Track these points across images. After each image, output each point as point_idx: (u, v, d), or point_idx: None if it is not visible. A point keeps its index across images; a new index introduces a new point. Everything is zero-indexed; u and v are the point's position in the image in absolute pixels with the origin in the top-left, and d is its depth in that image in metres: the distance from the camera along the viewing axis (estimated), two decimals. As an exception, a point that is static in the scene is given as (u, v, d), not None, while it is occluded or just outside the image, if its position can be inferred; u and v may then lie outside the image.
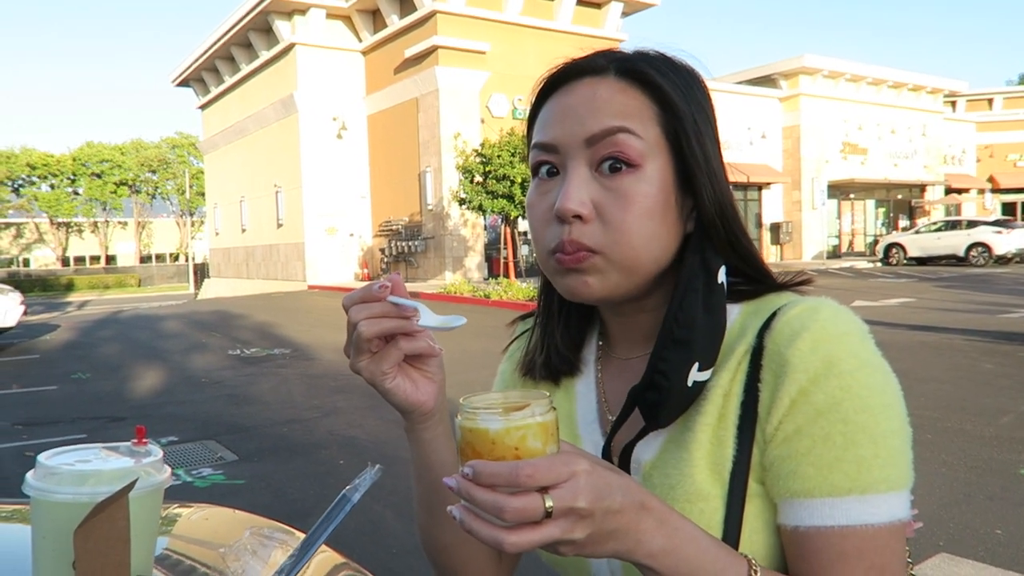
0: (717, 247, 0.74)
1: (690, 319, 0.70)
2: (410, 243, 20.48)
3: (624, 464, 0.75)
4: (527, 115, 0.80)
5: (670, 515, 0.59)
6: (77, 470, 0.70)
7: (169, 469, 0.76)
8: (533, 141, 0.76)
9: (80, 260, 51.37)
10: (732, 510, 0.67)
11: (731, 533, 0.67)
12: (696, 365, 0.69)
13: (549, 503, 0.51)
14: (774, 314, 0.70)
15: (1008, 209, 34.87)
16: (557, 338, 0.85)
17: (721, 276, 0.73)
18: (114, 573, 0.60)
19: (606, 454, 0.77)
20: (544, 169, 0.74)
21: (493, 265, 20.25)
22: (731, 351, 0.72)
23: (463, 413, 0.55)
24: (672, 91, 0.72)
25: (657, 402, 0.70)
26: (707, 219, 0.73)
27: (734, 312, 0.75)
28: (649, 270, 0.72)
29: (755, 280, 0.77)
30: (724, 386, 0.70)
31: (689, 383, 0.69)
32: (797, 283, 0.77)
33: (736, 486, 0.67)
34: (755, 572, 0.62)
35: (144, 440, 0.77)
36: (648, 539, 0.56)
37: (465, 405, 0.56)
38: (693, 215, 0.74)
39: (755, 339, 0.70)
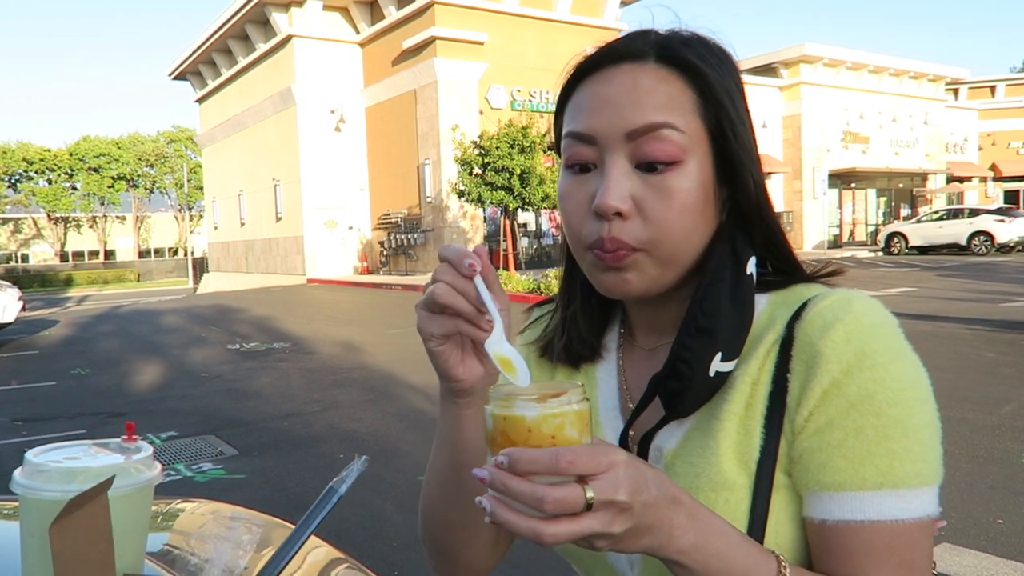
0: (752, 237, 0.73)
1: (715, 308, 0.69)
2: (409, 236, 20.46)
3: (643, 453, 0.74)
4: (556, 98, 0.77)
5: (699, 509, 0.57)
6: (65, 467, 0.69)
7: (160, 465, 0.74)
8: (567, 130, 0.73)
9: (78, 255, 51.37)
10: (759, 500, 0.66)
11: (757, 524, 0.66)
12: (719, 355, 0.68)
13: (590, 494, 0.49)
14: (804, 305, 0.69)
15: (1010, 197, 34.82)
16: (580, 322, 0.83)
17: (750, 267, 0.72)
18: (97, 572, 0.59)
19: (623, 442, 0.75)
20: (581, 167, 0.72)
21: (493, 257, 20.22)
22: (759, 340, 0.70)
23: (495, 401, 0.53)
24: (714, 79, 0.70)
25: (679, 391, 0.69)
26: (747, 210, 0.72)
27: (762, 302, 0.74)
28: (686, 263, 0.71)
29: (783, 271, 0.76)
30: (752, 375, 0.69)
31: (712, 373, 0.68)
32: (826, 274, 0.76)
33: (763, 476, 0.66)
34: (784, 569, 0.60)
35: (134, 436, 0.75)
36: (680, 534, 0.55)
37: (497, 393, 0.54)
38: (727, 205, 0.73)
39: (784, 329, 0.69)
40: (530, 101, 20.54)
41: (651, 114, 0.68)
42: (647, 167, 0.69)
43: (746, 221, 0.73)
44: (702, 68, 0.70)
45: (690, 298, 0.72)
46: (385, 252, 21.77)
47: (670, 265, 0.71)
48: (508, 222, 17.84)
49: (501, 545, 0.83)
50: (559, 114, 0.76)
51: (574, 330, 0.83)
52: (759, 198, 0.72)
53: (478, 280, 0.64)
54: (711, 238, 0.73)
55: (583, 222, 0.71)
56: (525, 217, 20.60)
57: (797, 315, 0.68)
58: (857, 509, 0.62)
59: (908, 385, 0.64)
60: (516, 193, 16.32)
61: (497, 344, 0.63)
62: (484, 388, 0.71)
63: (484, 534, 0.79)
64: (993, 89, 36.14)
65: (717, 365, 0.68)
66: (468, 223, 19.96)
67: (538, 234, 21.65)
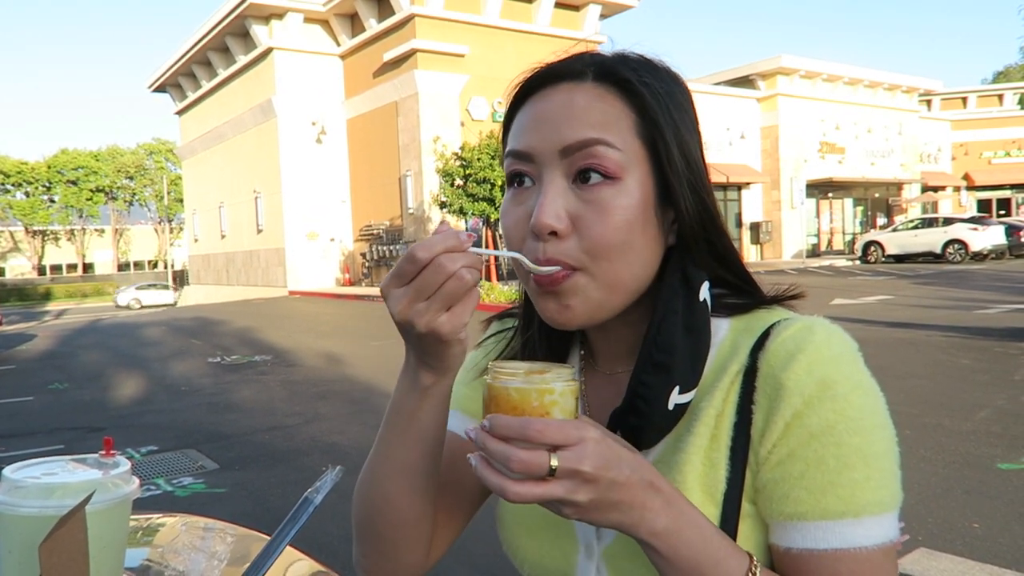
0: (699, 261, 0.72)
1: (670, 343, 0.68)
2: (391, 247, 20.42)
3: None
4: (503, 119, 0.77)
5: (678, 498, 0.61)
6: (43, 483, 0.69)
7: (137, 480, 0.75)
8: (507, 148, 0.73)
9: (56, 268, 50.76)
10: (726, 530, 0.67)
11: None
12: (677, 388, 0.68)
13: (554, 462, 0.53)
14: (767, 333, 0.69)
15: (983, 206, 35.38)
16: (538, 349, 0.82)
17: (704, 293, 0.71)
18: (76, 587, 0.59)
19: None
20: (518, 179, 0.72)
21: (475, 268, 20.21)
22: (723, 370, 0.70)
23: (492, 374, 0.59)
24: (652, 98, 0.69)
25: (639, 427, 0.69)
26: (688, 232, 0.71)
27: (723, 328, 0.73)
28: (630, 287, 0.70)
29: (742, 291, 0.76)
30: (717, 406, 0.69)
31: (670, 406, 0.68)
32: (787, 297, 0.76)
33: (729, 508, 0.67)
34: (754, 569, 0.62)
35: (112, 451, 0.76)
36: (652, 517, 0.58)
37: (495, 367, 0.60)
38: (675, 228, 0.72)
39: (748, 359, 0.69)
40: (511, 112, 20.60)
41: (586, 130, 0.68)
42: (583, 183, 0.68)
43: (690, 243, 0.72)
44: (639, 87, 0.69)
45: (644, 321, 0.72)
46: (367, 263, 21.70)
47: (613, 288, 0.69)
48: (490, 233, 17.86)
49: (433, 554, 0.81)
50: (505, 134, 0.76)
51: (533, 359, 0.81)
52: (702, 219, 0.71)
53: (472, 249, 0.62)
54: (659, 263, 0.72)
55: (521, 242, 0.71)
56: (507, 228, 20.62)
57: (760, 344, 0.69)
58: (820, 538, 0.63)
59: (867, 413, 0.65)
60: (498, 204, 16.34)
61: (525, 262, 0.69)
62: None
63: (421, 534, 0.77)
64: (965, 100, 36.79)
65: (675, 398, 0.68)
66: (450, 234, 19.93)
67: (520, 245, 21.66)
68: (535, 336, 0.82)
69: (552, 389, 0.57)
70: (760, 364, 0.68)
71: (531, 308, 0.80)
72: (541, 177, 0.70)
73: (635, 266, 0.69)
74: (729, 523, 0.67)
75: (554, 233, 0.68)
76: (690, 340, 0.69)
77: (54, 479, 0.70)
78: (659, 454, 0.72)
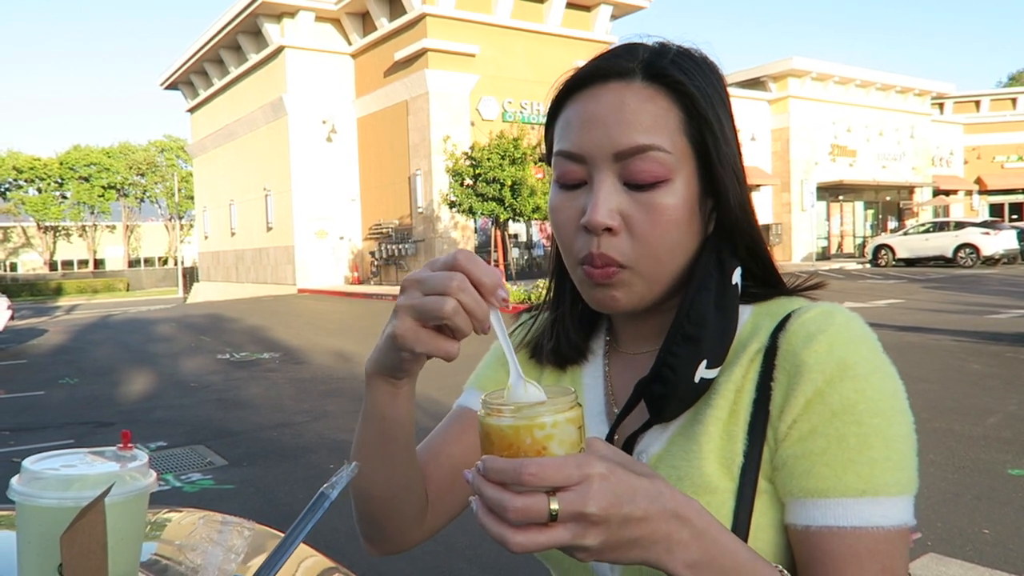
0: (736, 248, 0.75)
1: (701, 317, 0.71)
2: (400, 246, 20.45)
3: None
4: (547, 112, 0.78)
5: (710, 525, 0.57)
6: (62, 475, 0.70)
7: (155, 473, 0.75)
8: (557, 148, 0.74)
9: (68, 264, 51.05)
10: (742, 505, 0.67)
11: (740, 528, 0.67)
12: (704, 362, 0.70)
13: (555, 506, 0.49)
14: (788, 316, 0.71)
15: (995, 210, 35.14)
16: (568, 325, 0.84)
17: (735, 277, 0.74)
18: (94, 578, 0.60)
19: None
20: (569, 178, 0.74)
21: (484, 268, 20.19)
22: (743, 348, 0.72)
23: (485, 408, 0.54)
24: (700, 95, 0.71)
25: (663, 396, 0.71)
26: (731, 221, 0.74)
27: (746, 313, 0.76)
28: (672, 277, 0.73)
29: (766, 283, 0.78)
30: (736, 382, 0.71)
31: (696, 379, 0.70)
32: (808, 287, 0.78)
33: (746, 481, 0.68)
34: None
35: (130, 445, 0.77)
36: (681, 551, 0.54)
37: (487, 402, 0.54)
38: (714, 216, 0.75)
39: (768, 339, 0.71)
40: (521, 113, 20.62)
41: (638, 136, 0.69)
42: (635, 185, 0.70)
43: (729, 233, 0.75)
44: (688, 87, 0.71)
45: (675, 308, 0.74)
46: (376, 262, 21.75)
47: (656, 282, 0.73)
48: (499, 233, 17.87)
49: (430, 523, 0.83)
50: (549, 127, 0.78)
51: (563, 332, 0.85)
52: (742, 211, 0.74)
53: (496, 314, 0.61)
54: (698, 249, 0.74)
55: (573, 236, 0.73)
56: (516, 228, 20.64)
57: (781, 326, 0.70)
58: (840, 515, 0.64)
59: (888, 396, 0.66)
60: (507, 204, 16.36)
61: (518, 391, 0.56)
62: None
63: (407, 509, 0.79)
64: (978, 104, 36.53)
65: (702, 372, 0.70)
66: (459, 234, 19.97)
67: (529, 245, 21.68)
68: (566, 315, 0.85)
69: (544, 424, 0.51)
70: (780, 344, 0.69)
71: (562, 289, 0.85)
72: (592, 176, 0.72)
73: (679, 258, 0.73)
74: (745, 499, 0.67)
75: (608, 230, 0.70)
76: (720, 317, 0.72)
77: (73, 471, 0.71)
78: (678, 427, 0.73)
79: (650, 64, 0.72)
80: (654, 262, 0.71)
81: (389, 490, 0.77)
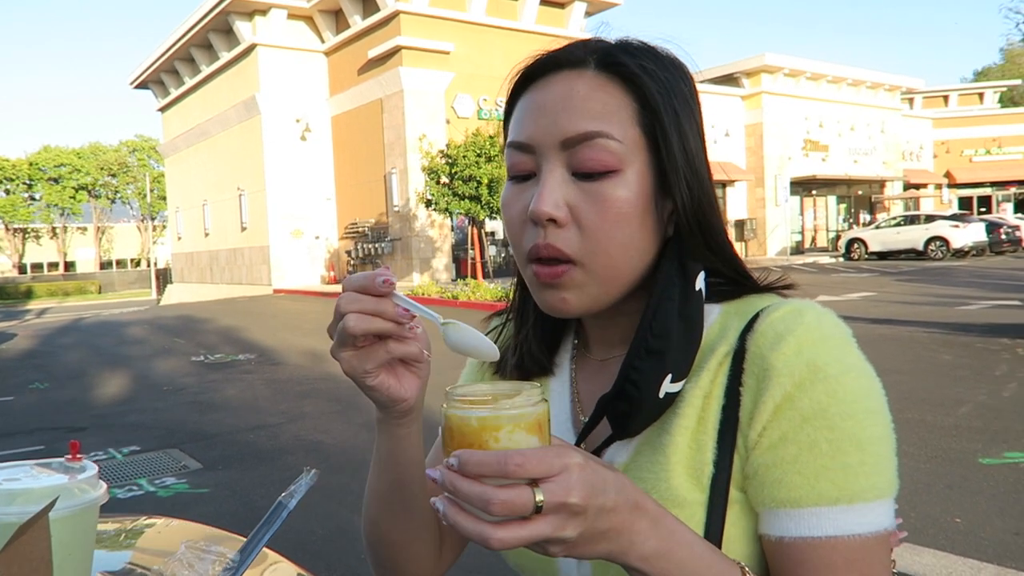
0: (696, 252, 0.71)
1: (664, 329, 0.67)
2: (377, 245, 20.33)
3: None
4: (503, 108, 0.76)
5: (665, 516, 0.56)
6: (5, 489, 0.67)
7: (105, 485, 0.72)
8: (508, 139, 0.73)
9: (38, 267, 50.16)
10: (713, 517, 0.65)
11: (712, 540, 0.64)
12: (669, 376, 0.67)
13: (540, 497, 0.48)
14: (756, 316, 0.68)
15: (964, 203, 35.70)
16: (531, 340, 0.81)
17: (699, 283, 0.70)
18: (35, 600, 0.57)
19: None
20: (518, 170, 0.71)
21: (461, 266, 20.19)
22: (711, 352, 0.69)
23: (450, 402, 0.52)
24: (654, 87, 0.68)
25: (627, 413, 0.68)
26: (684, 223, 0.70)
27: (714, 313, 0.72)
28: (627, 279, 0.70)
29: (736, 282, 0.75)
30: (704, 388, 0.68)
31: (661, 394, 0.67)
32: (779, 286, 0.75)
33: (717, 492, 0.65)
34: None
35: (78, 455, 0.74)
36: (641, 541, 0.54)
37: (452, 393, 0.53)
38: (673, 219, 0.71)
39: (737, 341, 0.68)
40: (496, 110, 20.56)
41: (586, 122, 0.67)
42: (583, 175, 0.68)
43: (690, 233, 0.71)
44: (640, 76, 0.68)
45: (639, 312, 0.71)
46: (352, 261, 21.60)
47: (610, 282, 0.69)
48: (476, 231, 17.83)
49: (446, 558, 0.83)
50: (506, 122, 0.75)
51: (526, 347, 0.82)
52: (699, 210, 0.70)
53: (398, 294, 0.62)
54: (657, 252, 0.71)
55: (521, 231, 0.71)
56: (493, 226, 20.61)
57: (749, 326, 0.67)
58: (814, 526, 0.61)
59: (861, 397, 0.63)
60: (484, 202, 16.32)
61: (456, 337, 0.61)
62: (422, 399, 0.71)
63: (425, 550, 0.79)
64: (946, 98, 37.13)
65: (667, 387, 0.67)
66: (436, 232, 19.91)
67: (506, 243, 21.53)
68: (530, 331, 0.82)
69: (521, 414, 0.50)
70: (748, 345, 0.67)
71: (526, 302, 0.82)
72: (540, 167, 0.69)
73: (633, 258, 0.69)
74: (717, 510, 0.65)
75: (553, 221, 0.67)
76: (685, 328, 0.68)
77: (16, 485, 0.68)
78: (644, 437, 0.70)
79: (605, 54, 0.70)
80: (605, 258, 0.68)
81: (407, 534, 0.77)
